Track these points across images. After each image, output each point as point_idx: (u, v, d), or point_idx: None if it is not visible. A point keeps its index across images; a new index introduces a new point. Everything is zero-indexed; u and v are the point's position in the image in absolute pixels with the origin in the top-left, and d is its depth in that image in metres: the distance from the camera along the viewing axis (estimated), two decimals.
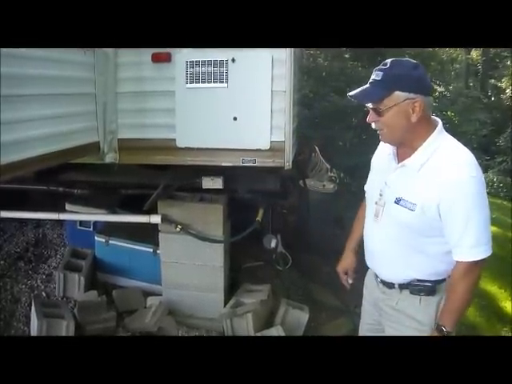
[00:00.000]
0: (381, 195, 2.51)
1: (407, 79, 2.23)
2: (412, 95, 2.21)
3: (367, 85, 2.32)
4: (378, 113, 2.30)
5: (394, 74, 2.24)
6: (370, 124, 2.41)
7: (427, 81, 2.33)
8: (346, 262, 2.98)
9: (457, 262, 2.30)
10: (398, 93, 2.22)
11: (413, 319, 2.49)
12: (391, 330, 2.63)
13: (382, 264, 2.62)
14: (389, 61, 2.29)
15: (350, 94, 2.38)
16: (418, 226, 2.33)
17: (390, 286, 2.58)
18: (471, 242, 2.23)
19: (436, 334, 2.37)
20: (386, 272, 2.61)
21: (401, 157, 2.43)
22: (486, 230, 2.25)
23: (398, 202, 2.38)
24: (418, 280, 2.45)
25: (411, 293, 2.49)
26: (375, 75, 2.29)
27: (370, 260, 2.72)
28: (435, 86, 7.58)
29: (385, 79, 2.25)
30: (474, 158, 2.26)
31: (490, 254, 2.25)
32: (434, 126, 2.33)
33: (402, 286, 2.52)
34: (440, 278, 2.43)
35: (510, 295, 6.10)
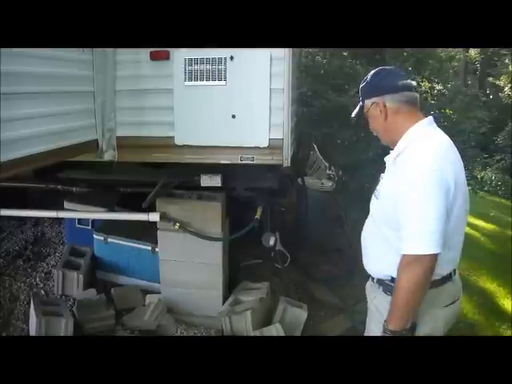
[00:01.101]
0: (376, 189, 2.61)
1: (368, 87, 2.52)
2: (374, 99, 2.46)
3: None
4: (366, 121, 2.62)
5: (363, 86, 2.56)
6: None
7: (386, 82, 2.47)
8: None
9: (402, 254, 2.27)
10: (366, 101, 2.53)
11: (383, 317, 2.43)
12: (370, 325, 2.67)
13: (364, 254, 2.68)
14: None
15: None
16: (382, 215, 2.45)
17: (372, 279, 2.63)
18: (410, 236, 2.23)
19: (382, 332, 2.35)
20: (366, 263, 2.66)
21: None
22: (431, 229, 2.19)
23: (374, 192, 2.55)
24: (392, 278, 2.41)
25: (383, 291, 2.50)
26: None
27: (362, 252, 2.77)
28: (434, 84, 7.58)
29: (360, 93, 2.60)
30: (438, 156, 2.27)
31: (434, 253, 2.17)
32: (415, 121, 2.42)
33: (379, 282, 2.55)
34: None
35: (509, 293, 6.11)
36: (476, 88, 18.64)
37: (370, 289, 2.67)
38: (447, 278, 2.42)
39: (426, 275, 2.20)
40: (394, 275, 2.35)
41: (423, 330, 2.39)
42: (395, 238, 2.34)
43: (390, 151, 2.54)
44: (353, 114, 2.66)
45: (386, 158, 2.52)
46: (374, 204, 2.53)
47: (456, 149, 2.44)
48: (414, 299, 2.24)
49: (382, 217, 2.45)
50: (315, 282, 5.56)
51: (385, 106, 2.42)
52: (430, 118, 2.46)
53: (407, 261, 2.22)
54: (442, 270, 2.36)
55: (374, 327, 2.58)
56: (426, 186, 2.19)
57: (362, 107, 2.58)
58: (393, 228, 2.36)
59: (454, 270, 2.48)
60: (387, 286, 2.46)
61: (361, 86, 2.57)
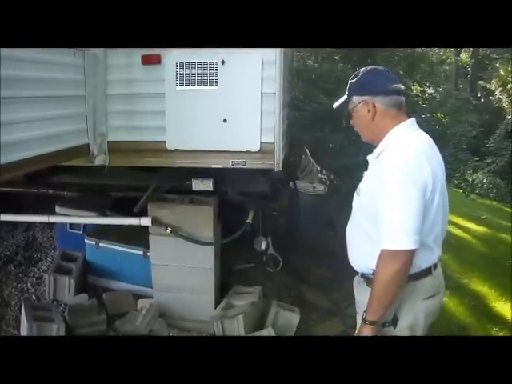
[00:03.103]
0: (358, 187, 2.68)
1: (359, 84, 2.54)
2: (365, 97, 2.49)
3: None
4: (349, 117, 2.64)
5: (353, 81, 2.57)
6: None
7: (378, 83, 2.50)
8: None
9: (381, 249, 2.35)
10: (354, 97, 2.55)
11: None
12: (357, 317, 2.72)
13: (349, 250, 2.75)
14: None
15: (334, 105, 2.73)
16: (362, 210, 2.54)
17: (357, 273, 2.71)
18: (387, 232, 2.31)
19: (362, 321, 2.44)
20: (351, 259, 2.73)
21: None
22: (407, 225, 2.27)
23: (357, 189, 2.61)
24: (374, 272, 2.47)
25: (367, 285, 2.58)
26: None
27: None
28: (425, 88, 7.60)
29: (348, 88, 2.60)
30: (413, 157, 2.34)
31: (410, 248, 2.26)
32: (398, 122, 2.49)
33: (363, 276, 2.63)
34: None
35: (500, 295, 6.13)
36: (467, 91, 18.71)
37: (357, 284, 2.75)
38: (427, 272, 2.50)
39: (402, 270, 2.30)
40: (375, 267, 2.44)
41: (405, 322, 2.49)
42: (376, 232, 2.42)
43: (373, 150, 2.61)
44: (334, 105, 2.69)
45: (369, 157, 2.59)
46: (356, 200, 2.60)
47: (437, 150, 2.56)
48: (390, 292, 2.34)
49: (363, 213, 2.54)
50: (307, 286, 5.57)
51: (374, 107, 2.47)
52: (413, 119, 2.54)
53: (385, 255, 2.31)
54: (421, 263, 2.44)
55: (358, 319, 2.67)
56: (403, 184, 2.28)
57: (346, 101, 2.61)
58: (373, 223, 2.44)
59: (435, 265, 2.55)
60: (370, 279, 2.53)
61: (351, 80, 2.59)
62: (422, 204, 2.28)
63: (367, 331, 2.39)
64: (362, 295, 2.63)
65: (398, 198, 2.27)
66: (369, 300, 2.40)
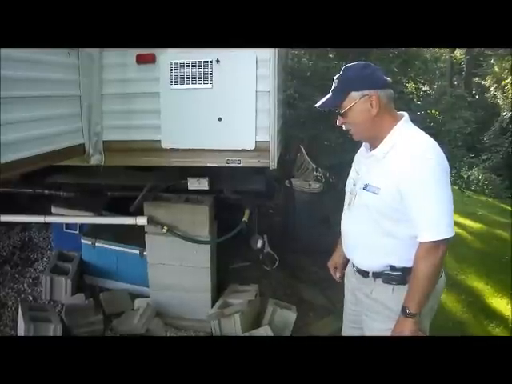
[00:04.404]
0: (354, 185, 2.68)
1: (358, 79, 2.47)
2: (366, 92, 2.44)
3: (329, 93, 2.57)
4: (342, 115, 2.55)
5: (347, 77, 2.52)
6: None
7: (379, 76, 2.50)
8: (336, 256, 3.07)
9: (419, 242, 2.39)
10: (353, 93, 2.46)
11: (386, 307, 2.58)
12: (367, 319, 2.73)
13: (356, 251, 2.73)
14: (343, 68, 2.56)
15: (316, 104, 2.65)
16: (384, 209, 2.47)
17: (364, 274, 2.68)
18: (428, 224, 2.35)
19: (401, 316, 2.44)
20: (360, 259, 2.71)
21: (371, 148, 2.60)
22: (445, 213, 2.35)
23: (365, 187, 2.54)
24: (391, 267, 2.53)
25: (383, 282, 2.58)
26: (334, 83, 2.57)
27: (345, 248, 2.83)
28: (419, 85, 7.61)
29: (339, 85, 2.53)
30: (435, 145, 2.41)
31: (449, 237, 2.34)
32: (399, 118, 2.52)
33: (376, 275, 2.61)
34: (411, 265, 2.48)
35: (497, 291, 6.15)
36: (462, 88, 18.78)
37: (363, 285, 2.72)
38: None
39: (443, 258, 2.39)
40: (391, 262, 2.53)
41: (430, 303, 2.52)
42: (397, 228, 2.47)
43: (364, 145, 2.69)
44: (319, 104, 2.62)
45: (374, 153, 2.54)
46: (371, 199, 2.51)
47: None
48: (433, 281, 2.43)
49: (383, 211, 2.47)
50: (304, 284, 5.58)
51: (379, 101, 2.43)
52: (406, 113, 2.57)
53: (427, 247, 2.36)
54: None
55: (369, 320, 2.70)
56: (436, 176, 2.33)
57: (337, 98, 2.52)
58: (394, 219, 2.46)
59: None
60: (387, 275, 2.56)
61: (344, 76, 2.53)
62: (451, 190, 2.37)
63: (411, 325, 2.41)
64: (377, 294, 2.63)
65: (434, 191, 2.33)
66: (410, 294, 2.42)
